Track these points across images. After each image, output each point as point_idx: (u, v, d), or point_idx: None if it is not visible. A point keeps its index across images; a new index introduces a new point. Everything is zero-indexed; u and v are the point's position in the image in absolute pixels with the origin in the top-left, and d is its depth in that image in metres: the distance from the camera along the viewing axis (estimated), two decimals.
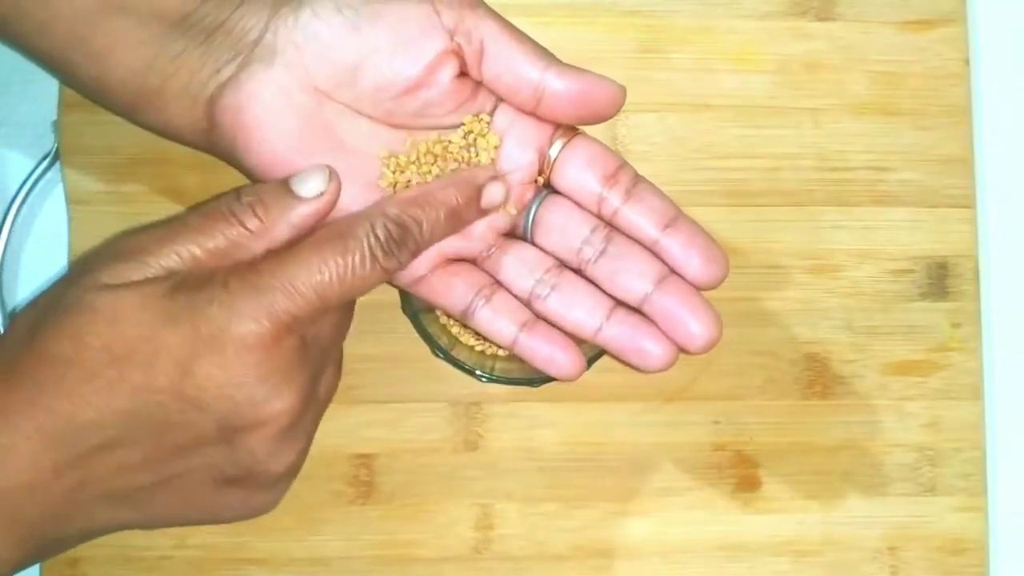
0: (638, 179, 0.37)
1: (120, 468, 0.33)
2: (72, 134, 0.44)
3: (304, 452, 0.37)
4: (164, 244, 0.33)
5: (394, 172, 0.36)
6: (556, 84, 0.35)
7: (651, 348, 0.36)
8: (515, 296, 0.37)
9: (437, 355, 0.40)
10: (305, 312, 0.33)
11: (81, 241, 0.43)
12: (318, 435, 0.43)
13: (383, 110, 0.36)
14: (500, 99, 0.37)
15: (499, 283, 0.38)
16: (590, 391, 0.44)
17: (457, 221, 0.36)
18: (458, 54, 0.36)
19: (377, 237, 0.34)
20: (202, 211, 0.34)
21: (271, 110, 0.35)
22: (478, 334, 0.43)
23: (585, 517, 0.44)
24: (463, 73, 0.36)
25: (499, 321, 0.37)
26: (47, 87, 0.44)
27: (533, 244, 0.38)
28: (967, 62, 0.46)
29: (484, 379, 0.41)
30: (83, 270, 0.33)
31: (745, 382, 0.45)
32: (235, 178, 0.44)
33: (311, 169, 0.34)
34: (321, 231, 0.34)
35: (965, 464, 0.45)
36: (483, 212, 0.36)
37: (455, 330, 0.43)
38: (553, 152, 0.37)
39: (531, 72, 0.35)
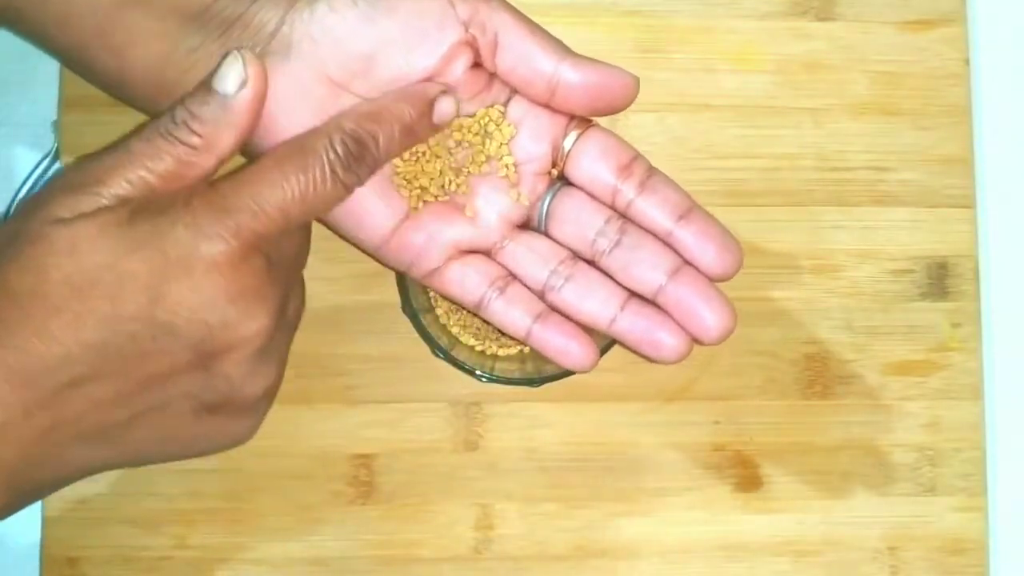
0: (652, 171, 0.37)
1: (94, 404, 0.32)
2: (72, 134, 0.44)
3: (279, 376, 0.36)
4: (113, 173, 0.32)
5: (404, 160, 0.36)
6: (570, 75, 0.35)
7: (666, 339, 0.36)
8: (528, 288, 0.37)
9: (437, 355, 0.40)
10: (270, 230, 0.32)
11: None
12: (318, 435, 0.43)
13: None
14: (514, 91, 0.37)
15: (512, 275, 0.38)
16: (590, 391, 0.44)
17: (411, 137, 0.35)
18: (472, 45, 0.36)
19: (336, 152, 0.33)
20: (142, 136, 0.33)
21: (287, 103, 0.35)
22: (478, 334, 0.43)
23: (585, 517, 0.44)
24: (477, 64, 0.36)
25: (513, 312, 0.37)
26: (47, 87, 0.44)
27: (547, 236, 0.38)
28: (967, 62, 0.46)
29: (484, 379, 0.41)
30: (35, 205, 0.33)
31: (745, 382, 0.45)
32: None
33: (226, 61, 0.33)
34: (279, 147, 0.34)
35: (965, 464, 0.45)
36: (435, 127, 0.36)
37: (455, 330, 0.43)
38: (567, 144, 0.37)
39: (545, 64, 0.35)
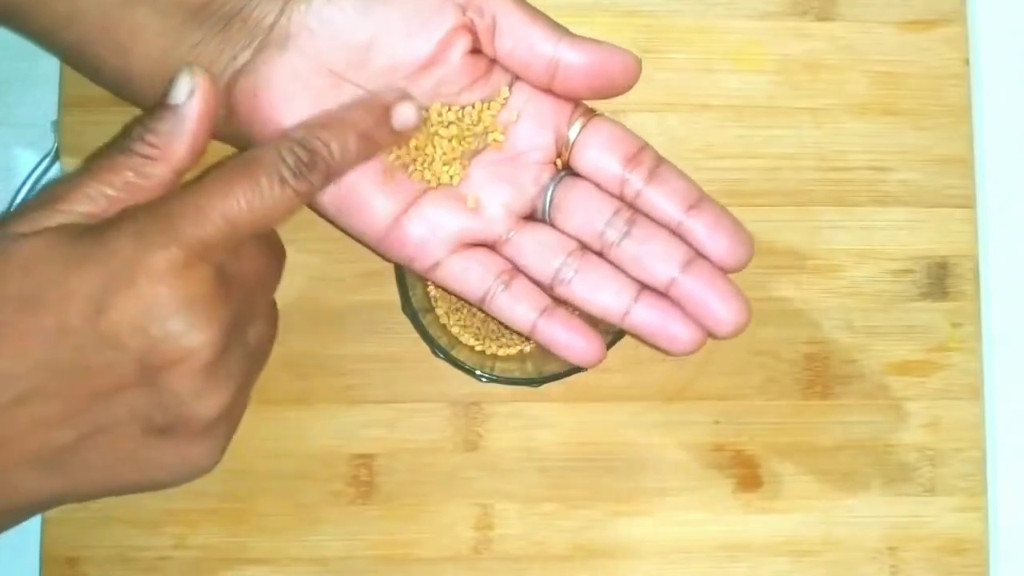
0: (660, 160, 0.37)
1: (39, 423, 0.31)
2: (72, 134, 0.44)
3: (237, 401, 0.34)
4: (75, 189, 0.32)
5: (400, 145, 0.36)
6: (570, 56, 0.35)
7: (680, 332, 0.36)
8: (536, 281, 0.37)
9: (437, 355, 0.40)
10: (215, 238, 0.31)
11: None
12: (318, 435, 0.43)
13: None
14: (516, 77, 0.37)
15: (518, 268, 0.37)
16: (590, 391, 0.44)
17: (370, 144, 0.35)
18: (471, 29, 0.36)
19: (284, 160, 0.33)
20: (104, 154, 0.33)
21: (286, 94, 0.35)
22: (478, 334, 0.43)
23: (585, 517, 0.44)
24: (476, 50, 0.36)
25: (518, 307, 0.37)
26: (47, 87, 0.44)
27: (553, 227, 0.37)
28: (967, 62, 0.46)
29: (484, 379, 0.41)
30: (5, 220, 0.33)
31: (745, 382, 0.45)
32: None
33: (178, 75, 0.33)
34: (229, 158, 0.33)
35: (965, 464, 0.45)
36: (396, 134, 0.35)
37: (455, 330, 0.43)
38: (572, 133, 0.37)
39: (544, 45, 0.35)
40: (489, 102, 0.37)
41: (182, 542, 0.43)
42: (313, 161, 0.33)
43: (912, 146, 0.46)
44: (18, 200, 0.44)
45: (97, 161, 0.33)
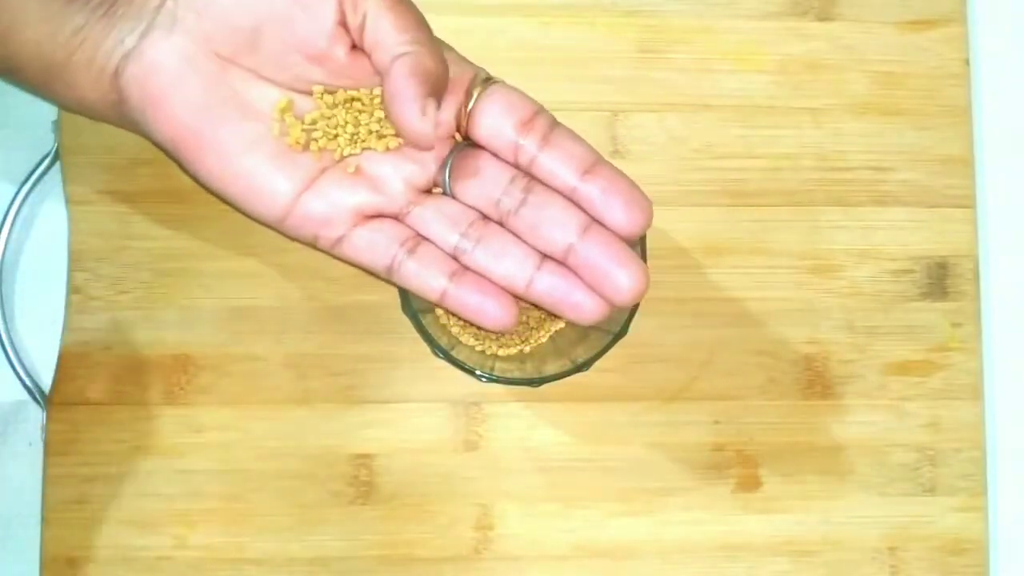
0: (555, 125, 0.36)
1: None
2: (72, 134, 0.44)
3: None
4: None
5: (300, 126, 0.36)
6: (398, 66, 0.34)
7: (583, 300, 0.35)
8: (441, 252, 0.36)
9: (437, 355, 0.40)
10: None
11: (81, 241, 0.43)
12: (318, 435, 0.43)
13: (290, 75, 0.35)
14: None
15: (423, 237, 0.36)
16: (590, 391, 0.44)
17: None
18: (345, 26, 0.35)
19: None
20: None
21: (175, 78, 0.34)
22: (478, 334, 0.43)
23: (585, 517, 0.44)
24: (356, 47, 0.35)
25: (425, 273, 0.36)
26: None
27: (454, 199, 0.36)
28: (967, 62, 0.46)
29: (484, 379, 0.40)
30: None
31: (745, 382, 0.45)
32: None
33: None
34: None
35: (965, 464, 0.45)
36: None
37: (455, 330, 0.43)
38: (470, 104, 0.36)
39: (390, 43, 0.34)
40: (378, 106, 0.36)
41: (182, 542, 0.43)
42: None
43: (912, 146, 0.46)
44: (18, 200, 0.44)
45: None
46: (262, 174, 0.35)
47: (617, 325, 0.40)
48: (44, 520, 0.43)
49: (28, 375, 0.43)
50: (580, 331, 0.43)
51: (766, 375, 0.45)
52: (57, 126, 0.44)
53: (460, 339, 0.43)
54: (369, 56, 0.35)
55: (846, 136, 0.45)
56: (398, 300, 0.41)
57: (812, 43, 0.46)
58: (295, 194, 0.36)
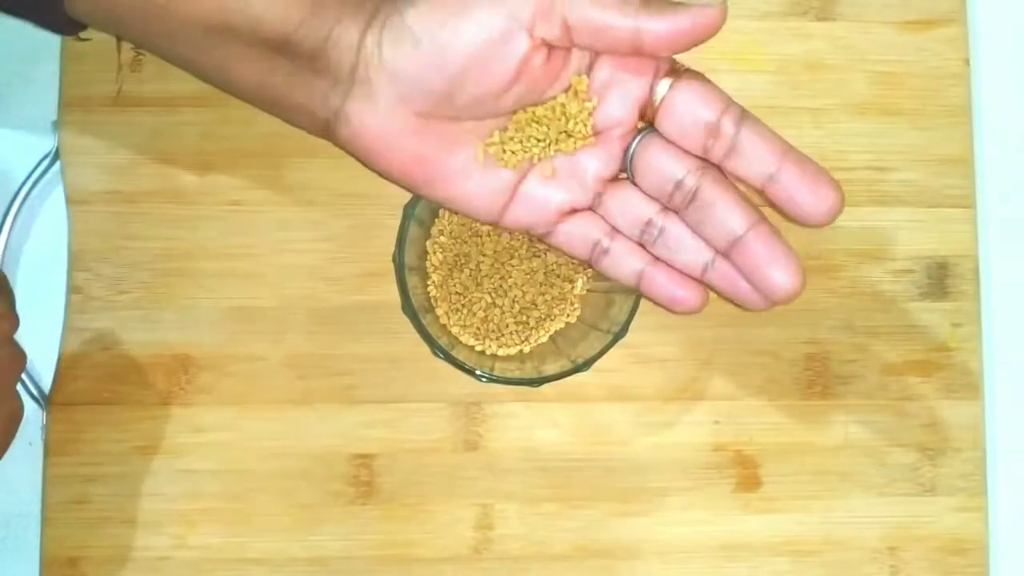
0: (746, 113, 0.36)
1: None
2: (72, 134, 0.44)
3: None
4: None
5: (502, 132, 0.37)
6: (653, 26, 0.34)
7: (751, 291, 0.37)
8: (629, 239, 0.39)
9: (437, 355, 0.40)
10: None
11: (81, 241, 0.43)
12: (318, 435, 0.43)
13: (485, 111, 0.37)
14: (596, 54, 0.36)
15: (615, 229, 0.39)
16: (590, 391, 0.44)
17: None
18: (541, 46, 0.35)
19: None
20: None
21: (383, 138, 0.36)
22: (478, 334, 0.43)
23: (585, 517, 0.44)
24: (552, 49, 0.36)
25: (621, 263, 0.38)
26: (47, 87, 0.44)
27: (636, 186, 0.38)
28: (967, 62, 0.46)
29: (484, 379, 0.40)
30: None
31: (745, 382, 0.45)
32: (234, 178, 0.44)
33: None
34: None
35: (965, 464, 0.45)
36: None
37: (455, 330, 0.43)
38: (660, 91, 0.36)
39: (623, 22, 0.34)
40: (571, 95, 0.37)
41: (182, 542, 0.43)
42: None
43: (912, 146, 0.46)
44: (18, 200, 0.44)
45: None
46: (478, 195, 0.38)
47: (617, 325, 0.40)
48: (44, 520, 0.43)
49: (28, 375, 0.43)
50: (580, 331, 0.43)
51: (766, 375, 0.45)
52: (57, 126, 0.44)
53: (460, 339, 0.43)
54: (584, 47, 0.36)
55: (846, 136, 0.45)
56: (398, 300, 0.41)
57: (812, 43, 0.46)
58: (502, 207, 0.38)
